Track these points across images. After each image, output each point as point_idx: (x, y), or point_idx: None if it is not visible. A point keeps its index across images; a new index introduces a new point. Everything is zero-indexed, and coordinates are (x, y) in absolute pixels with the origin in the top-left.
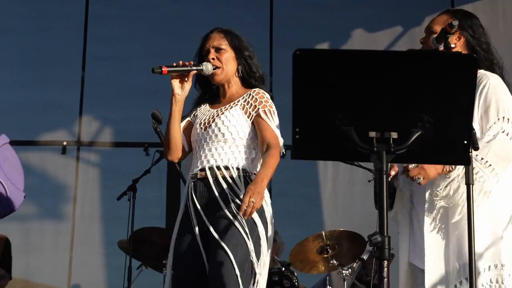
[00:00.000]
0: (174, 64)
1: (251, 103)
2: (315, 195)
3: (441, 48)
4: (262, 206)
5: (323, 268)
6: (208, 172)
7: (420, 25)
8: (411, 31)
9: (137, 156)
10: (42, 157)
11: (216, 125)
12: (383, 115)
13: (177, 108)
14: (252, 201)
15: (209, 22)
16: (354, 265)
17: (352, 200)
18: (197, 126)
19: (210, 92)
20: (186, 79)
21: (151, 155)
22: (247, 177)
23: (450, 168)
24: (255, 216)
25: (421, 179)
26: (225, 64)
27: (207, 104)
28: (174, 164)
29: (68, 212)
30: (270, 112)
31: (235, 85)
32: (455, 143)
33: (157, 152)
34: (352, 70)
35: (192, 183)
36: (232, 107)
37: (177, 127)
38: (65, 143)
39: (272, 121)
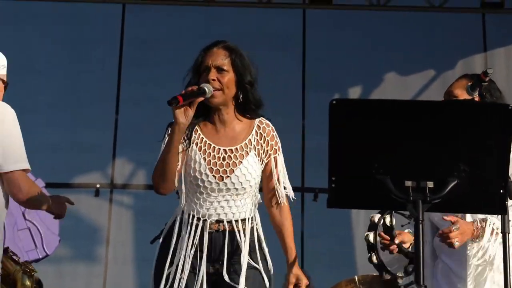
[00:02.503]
0: (183, 92)
1: (264, 147)
2: (348, 238)
3: (476, 95)
4: (268, 266)
5: None
6: (227, 225)
7: (453, 69)
8: (443, 74)
9: (169, 198)
10: (75, 199)
11: (237, 178)
12: (419, 164)
13: (179, 138)
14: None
15: None
16: None
17: None
18: (204, 171)
19: (202, 113)
20: (190, 106)
21: None
22: (256, 225)
23: (478, 233)
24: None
25: (458, 243)
26: (225, 88)
27: (200, 131)
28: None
29: (101, 254)
30: (280, 160)
31: (231, 112)
32: (491, 192)
33: None
34: (388, 120)
35: (207, 234)
36: (247, 152)
37: (176, 157)
38: (98, 185)
39: (281, 169)
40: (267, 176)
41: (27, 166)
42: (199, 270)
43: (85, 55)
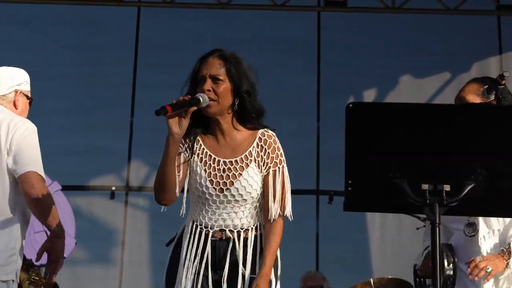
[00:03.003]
0: (174, 102)
1: (264, 159)
2: (363, 241)
3: (492, 98)
4: (277, 263)
5: None
6: (230, 234)
7: (468, 71)
8: (459, 77)
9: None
10: (91, 202)
11: (237, 190)
12: (435, 167)
13: (175, 148)
14: None
15: (257, 68)
16: None
17: (400, 246)
18: (205, 182)
19: (200, 123)
20: (184, 116)
21: None
22: (261, 234)
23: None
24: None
25: (490, 269)
26: (221, 98)
27: (202, 142)
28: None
29: (116, 257)
30: (281, 172)
31: (229, 121)
32: (508, 196)
33: None
34: (404, 123)
35: (210, 242)
36: (247, 164)
37: (174, 168)
38: (113, 188)
39: (279, 184)
40: (266, 189)
41: (40, 171)
42: (204, 276)
43: (100, 59)
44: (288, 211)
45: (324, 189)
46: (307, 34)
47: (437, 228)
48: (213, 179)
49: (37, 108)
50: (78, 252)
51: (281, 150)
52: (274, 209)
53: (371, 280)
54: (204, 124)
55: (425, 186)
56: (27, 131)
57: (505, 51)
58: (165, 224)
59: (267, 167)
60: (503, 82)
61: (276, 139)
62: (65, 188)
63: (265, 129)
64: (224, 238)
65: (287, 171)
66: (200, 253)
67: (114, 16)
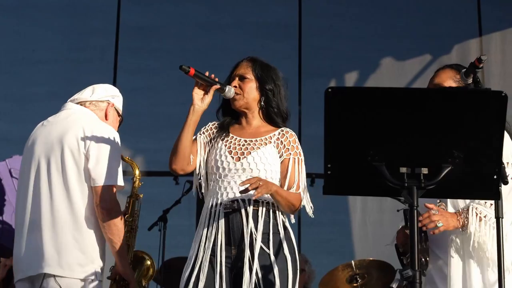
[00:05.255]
0: (200, 71)
1: (284, 144)
2: (345, 224)
3: (469, 82)
4: (293, 244)
5: None
6: (241, 203)
7: (448, 54)
8: (440, 59)
9: (167, 185)
10: None
11: (253, 159)
12: (414, 151)
13: (194, 118)
14: (260, 183)
15: (240, 53)
16: None
17: (381, 228)
18: (224, 153)
19: (231, 119)
20: (207, 92)
21: (181, 184)
22: (275, 211)
23: (464, 222)
24: (288, 255)
25: (441, 224)
26: (245, 92)
27: (229, 132)
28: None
29: None
30: (300, 162)
31: (258, 116)
32: (485, 178)
33: (187, 182)
34: (383, 107)
35: (224, 213)
36: (266, 143)
37: (190, 137)
38: None
39: (300, 173)
40: (284, 172)
41: (115, 182)
42: (218, 255)
43: (81, 44)
44: (307, 202)
45: (306, 172)
46: (289, 18)
47: (415, 211)
48: (232, 150)
49: (21, 94)
50: None
51: (300, 149)
52: (299, 194)
53: (352, 262)
54: (234, 117)
55: (403, 169)
56: (111, 139)
57: (485, 33)
58: (148, 209)
59: (288, 152)
60: (481, 65)
61: (296, 138)
62: None
63: (287, 128)
64: (235, 207)
65: (304, 169)
66: (216, 228)
67: (97, 2)
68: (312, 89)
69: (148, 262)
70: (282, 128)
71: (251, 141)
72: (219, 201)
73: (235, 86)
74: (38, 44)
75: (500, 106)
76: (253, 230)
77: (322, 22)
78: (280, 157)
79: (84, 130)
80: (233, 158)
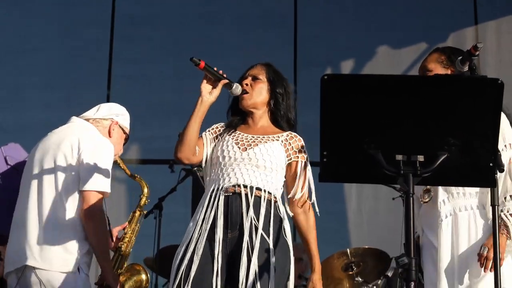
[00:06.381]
0: (210, 66)
1: (293, 147)
2: (340, 211)
3: (466, 69)
4: (289, 249)
5: (348, 285)
6: (243, 188)
7: (444, 41)
8: (436, 47)
9: (162, 173)
10: None
11: (259, 150)
12: (410, 138)
13: (201, 109)
14: None
15: (235, 43)
16: (379, 282)
17: (376, 216)
18: (231, 144)
19: (239, 119)
20: (215, 86)
21: (176, 172)
22: (276, 202)
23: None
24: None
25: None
26: (255, 92)
27: (236, 130)
28: (199, 180)
29: None
30: (307, 166)
31: (265, 117)
32: (481, 166)
33: (182, 170)
34: (379, 94)
35: (224, 197)
36: (273, 140)
37: (196, 128)
38: None
39: (308, 177)
40: (292, 176)
41: (103, 188)
42: (217, 237)
43: (76, 33)
44: (315, 204)
45: None
46: (284, 8)
47: (411, 198)
48: (238, 142)
49: (15, 83)
50: None
51: (307, 155)
52: (306, 198)
53: (348, 250)
54: (242, 118)
55: (399, 157)
56: (104, 150)
57: (480, 21)
58: None
59: (296, 154)
60: (477, 53)
61: (303, 143)
62: None
63: (295, 133)
64: (236, 192)
65: (311, 173)
66: (215, 211)
67: None
68: (308, 78)
69: (143, 277)
70: (290, 132)
71: (259, 137)
72: (220, 186)
73: (246, 84)
74: (33, 33)
75: (497, 93)
76: (253, 216)
77: (318, 11)
78: (288, 158)
79: (79, 138)
80: (239, 148)
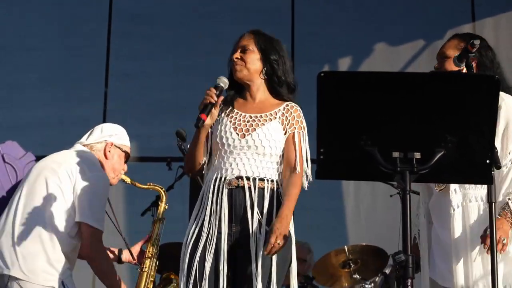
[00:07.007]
0: (201, 107)
1: (289, 120)
2: (338, 208)
3: (463, 66)
4: (291, 238)
5: (346, 282)
6: (246, 181)
7: (442, 39)
8: (433, 44)
9: (160, 170)
10: None
11: (257, 136)
12: (406, 135)
13: (204, 133)
14: (278, 243)
15: (232, 39)
16: (377, 279)
17: (374, 212)
18: (229, 129)
19: (235, 93)
20: (214, 108)
21: (174, 170)
22: (279, 189)
23: None
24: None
25: (505, 239)
26: (247, 63)
27: (233, 107)
28: (196, 178)
29: None
30: (303, 136)
31: (262, 89)
32: (478, 163)
33: (180, 168)
34: (376, 91)
35: (227, 190)
36: (271, 119)
37: (202, 150)
38: None
39: (303, 146)
40: (288, 147)
41: (94, 223)
42: (223, 232)
43: (73, 30)
44: (308, 173)
45: None
46: (282, 4)
47: (408, 195)
48: (236, 127)
49: (13, 80)
50: None
51: (304, 124)
52: (299, 164)
53: (346, 247)
54: (239, 91)
55: (395, 154)
56: (99, 184)
57: (478, 18)
58: (141, 194)
59: (292, 127)
60: (474, 50)
61: (301, 113)
62: (40, 159)
63: (293, 103)
64: (240, 185)
65: (307, 142)
66: (219, 204)
67: None
68: (305, 75)
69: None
70: (288, 103)
71: (256, 117)
72: (223, 176)
73: (237, 58)
74: (30, 30)
75: (493, 90)
76: (257, 211)
77: (315, 8)
78: (285, 133)
79: (81, 164)
80: (238, 134)
